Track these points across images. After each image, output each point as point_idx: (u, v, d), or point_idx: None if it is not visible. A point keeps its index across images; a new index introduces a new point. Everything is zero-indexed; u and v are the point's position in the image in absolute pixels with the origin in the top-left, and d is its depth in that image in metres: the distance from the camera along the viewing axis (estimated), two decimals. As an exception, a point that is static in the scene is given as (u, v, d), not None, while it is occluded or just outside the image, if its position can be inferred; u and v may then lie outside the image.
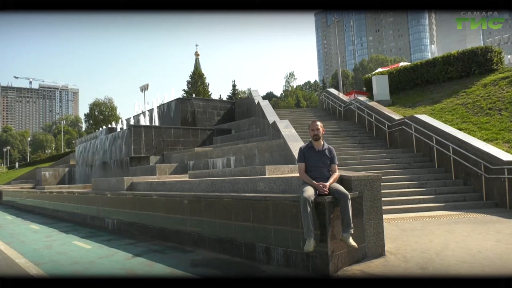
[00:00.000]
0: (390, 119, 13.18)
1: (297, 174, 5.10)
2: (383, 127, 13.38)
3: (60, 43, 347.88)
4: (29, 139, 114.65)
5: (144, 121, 22.49)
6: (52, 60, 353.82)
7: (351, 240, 4.37)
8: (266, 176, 6.27)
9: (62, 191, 13.72)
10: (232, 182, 6.43)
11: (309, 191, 4.44)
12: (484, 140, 10.03)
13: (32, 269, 5.41)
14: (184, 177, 9.50)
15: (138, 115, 24.17)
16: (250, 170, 7.12)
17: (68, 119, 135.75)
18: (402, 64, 23.85)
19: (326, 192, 4.53)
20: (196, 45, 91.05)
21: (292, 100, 73.29)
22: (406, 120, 12.10)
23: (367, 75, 22.40)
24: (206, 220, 6.31)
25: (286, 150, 10.27)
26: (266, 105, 16.36)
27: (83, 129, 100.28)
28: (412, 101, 15.76)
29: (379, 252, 4.99)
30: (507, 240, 5.64)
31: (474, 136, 10.23)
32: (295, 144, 9.68)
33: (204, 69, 63.05)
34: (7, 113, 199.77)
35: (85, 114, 79.94)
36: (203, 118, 22.02)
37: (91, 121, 73.77)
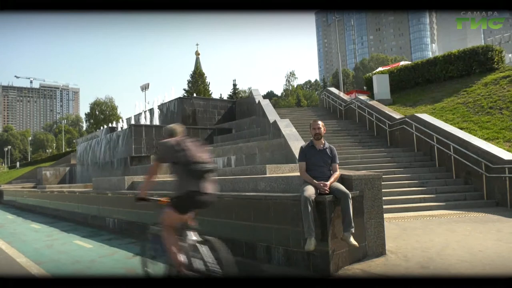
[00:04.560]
0: (390, 118, 13.17)
1: (298, 173, 5.10)
2: (383, 126, 13.37)
3: (61, 43, 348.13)
4: (30, 138, 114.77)
5: (144, 120, 22.51)
6: (52, 60, 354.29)
7: (352, 239, 4.37)
8: (267, 175, 6.27)
9: (63, 190, 13.74)
10: (232, 181, 6.43)
11: (310, 190, 4.44)
12: (485, 139, 10.02)
13: (33, 268, 5.42)
14: (185, 177, 9.48)
15: (139, 114, 24.17)
16: (250, 169, 7.12)
17: (69, 119, 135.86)
18: (402, 63, 23.82)
19: (326, 191, 4.53)
20: (197, 44, 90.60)
21: (292, 99, 73.21)
22: (407, 119, 12.09)
23: (367, 74, 22.37)
24: (206, 219, 6.30)
25: (286, 149, 10.27)
26: (266, 104, 16.36)
27: (84, 128, 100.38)
28: (412, 100, 15.74)
29: (380, 251, 4.99)
30: (508, 239, 5.63)
31: (475, 135, 10.22)
32: (296, 143, 9.67)
33: (204, 69, 62.78)
34: (8, 113, 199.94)
35: (85, 114, 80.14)
36: (203, 117, 22.02)
37: (91, 121, 73.86)
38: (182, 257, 3.55)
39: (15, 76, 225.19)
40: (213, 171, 3.72)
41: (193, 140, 3.77)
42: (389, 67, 22.99)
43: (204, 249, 3.47)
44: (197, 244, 3.54)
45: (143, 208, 8.15)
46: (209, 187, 3.67)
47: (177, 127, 3.99)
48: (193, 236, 3.62)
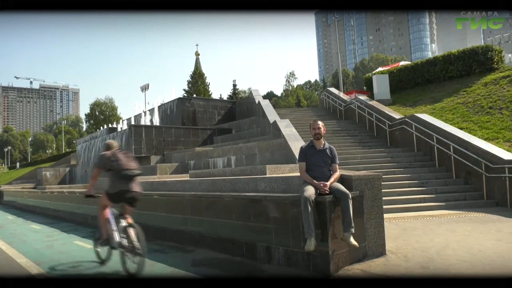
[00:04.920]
0: (390, 118, 13.18)
1: (298, 174, 5.10)
2: (383, 126, 13.37)
3: (61, 43, 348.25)
4: (30, 139, 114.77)
5: (144, 121, 22.51)
6: (52, 60, 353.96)
7: (352, 240, 4.36)
8: (267, 175, 6.27)
9: (63, 191, 13.74)
10: (232, 182, 6.43)
11: (310, 191, 4.44)
12: (485, 139, 10.03)
13: (33, 269, 5.42)
14: (185, 177, 9.50)
15: (139, 115, 24.17)
16: (250, 170, 7.11)
17: (68, 119, 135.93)
18: (402, 63, 23.83)
19: (326, 192, 4.53)
20: (197, 45, 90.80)
21: (292, 100, 73.14)
22: (406, 119, 12.09)
23: (367, 74, 22.38)
24: (207, 219, 6.31)
25: (286, 150, 10.27)
26: (266, 105, 16.36)
27: (84, 129, 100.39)
28: (412, 100, 15.75)
29: (380, 251, 4.99)
30: (508, 239, 5.64)
31: (474, 135, 10.22)
32: (296, 144, 9.67)
33: (204, 69, 62.75)
34: (8, 113, 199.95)
35: (85, 114, 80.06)
36: (203, 117, 22.02)
37: (91, 121, 73.78)
38: (116, 235, 4.96)
39: (15, 77, 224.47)
40: (139, 175, 5.18)
41: (124, 152, 5.19)
42: (389, 67, 23.00)
43: (131, 231, 4.76)
44: (126, 228, 4.88)
45: (142, 209, 8.14)
46: (136, 187, 5.11)
47: (113, 143, 5.31)
48: (124, 222, 4.99)
